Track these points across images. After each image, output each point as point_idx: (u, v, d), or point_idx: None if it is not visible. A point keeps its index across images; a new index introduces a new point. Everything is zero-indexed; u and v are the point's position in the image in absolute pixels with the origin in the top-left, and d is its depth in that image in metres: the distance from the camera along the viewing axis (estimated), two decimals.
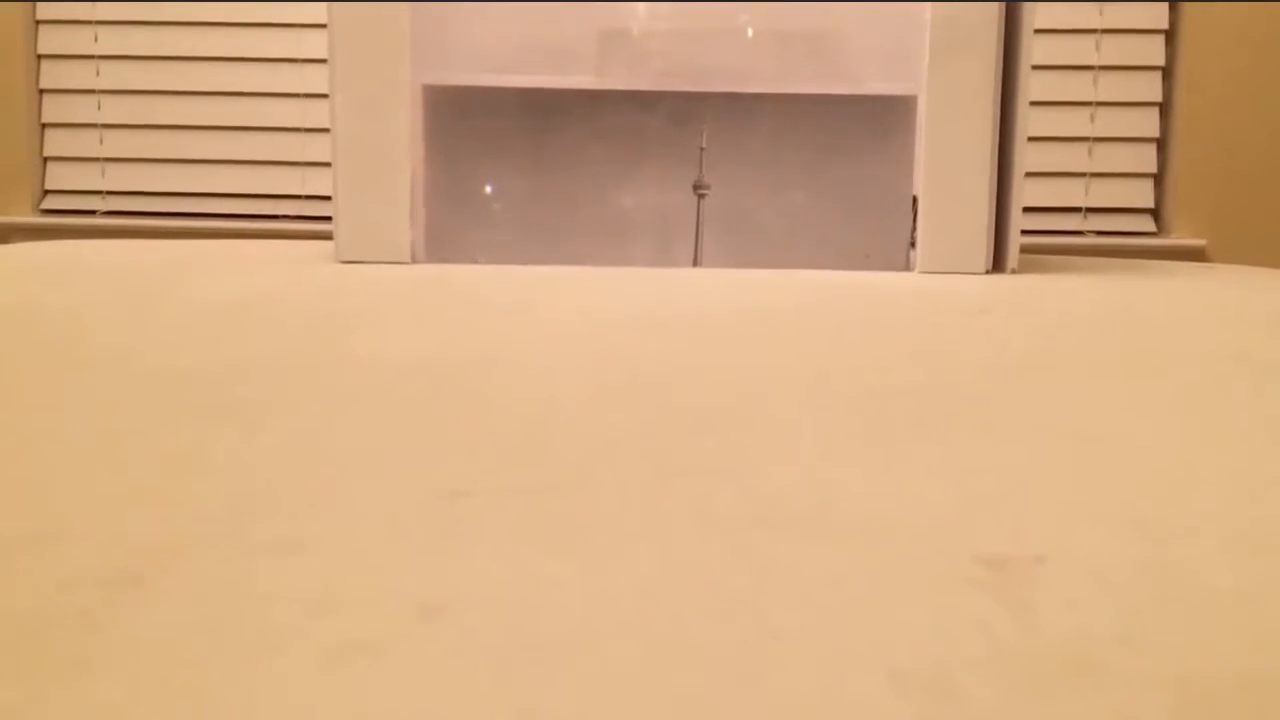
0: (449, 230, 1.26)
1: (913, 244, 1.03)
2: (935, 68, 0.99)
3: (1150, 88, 2.12)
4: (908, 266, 1.05)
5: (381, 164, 1.00)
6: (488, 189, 1.23)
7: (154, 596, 0.31)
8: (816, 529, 0.37)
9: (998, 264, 1.03)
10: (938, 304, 0.86)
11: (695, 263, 1.29)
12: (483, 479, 0.44)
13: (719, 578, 0.33)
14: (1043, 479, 0.43)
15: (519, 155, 1.28)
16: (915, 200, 1.04)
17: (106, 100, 2.18)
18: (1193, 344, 0.72)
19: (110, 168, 2.19)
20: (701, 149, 1.28)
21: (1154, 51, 2.11)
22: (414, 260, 1.06)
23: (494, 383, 0.57)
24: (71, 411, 0.51)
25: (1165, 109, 2.13)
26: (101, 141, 2.18)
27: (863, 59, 1.20)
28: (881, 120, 1.15)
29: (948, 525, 0.38)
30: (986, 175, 0.99)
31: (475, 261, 1.25)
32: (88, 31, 2.17)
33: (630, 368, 0.62)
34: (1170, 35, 2.11)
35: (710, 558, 0.35)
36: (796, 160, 1.23)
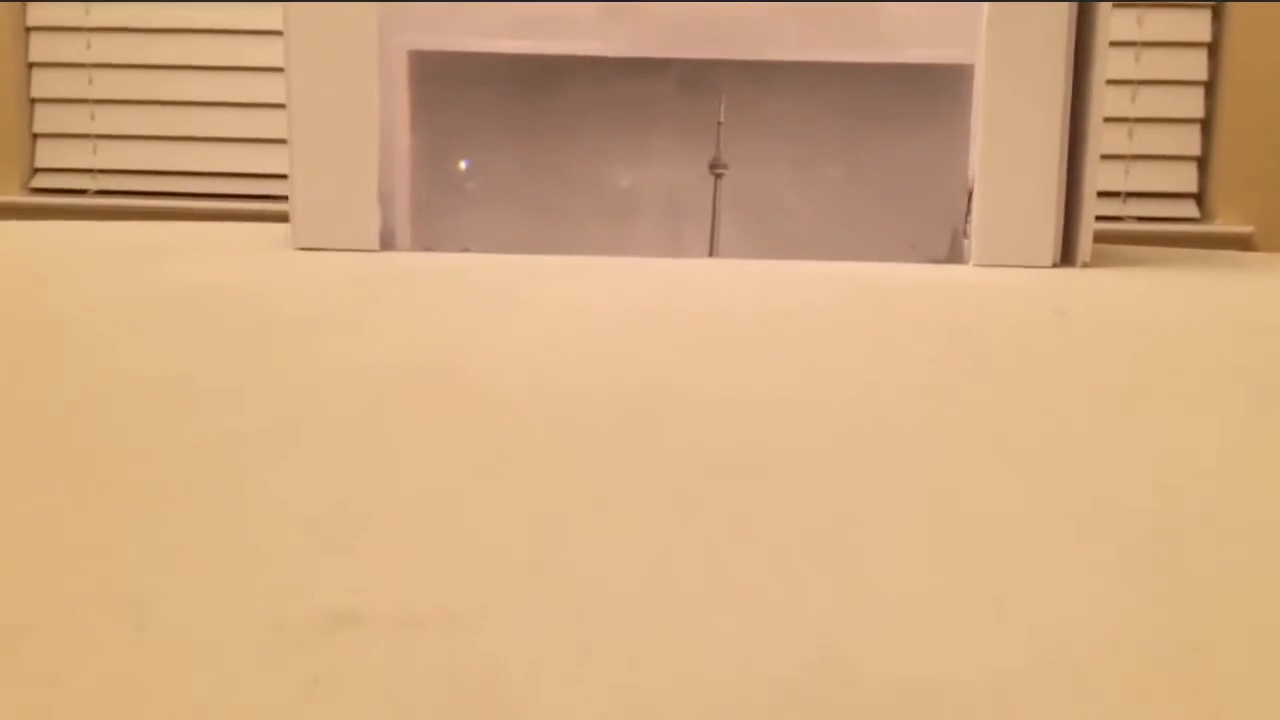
0: (437, 212, 1.09)
1: (966, 233, 0.86)
2: (995, 30, 0.81)
3: (1195, 66, 1.92)
4: (960, 258, 0.87)
5: (345, 139, 0.82)
6: (463, 165, 1.06)
7: None
8: (874, 710, 0.20)
9: (1066, 257, 0.85)
10: (1004, 304, 0.68)
11: (711, 252, 1.11)
12: (386, 589, 0.27)
13: None
14: (1231, 606, 0.26)
15: (515, 129, 1.10)
16: (971, 182, 0.86)
17: (98, 75, 2.01)
18: None
19: (102, 145, 2.02)
20: (719, 123, 1.10)
21: (1199, 27, 1.91)
22: (385, 247, 0.88)
23: (437, 420, 0.40)
24: None
25: (1210, 88, 1.93)
26: (93, 117, 2.01)
27: (903, 22, 1.02)
28: (924, 91, 0.97)
29: (1089, 691, 0.21)
30: (1056, 153, 0.81)
31: (465, 247, 1.08)
32: (79, 4, 2.00)
33: (622, 395, 0.44)
34: (1216, 11, 1.91)
35: None
36: (826, 137, 1.05)
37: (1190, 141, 1.93)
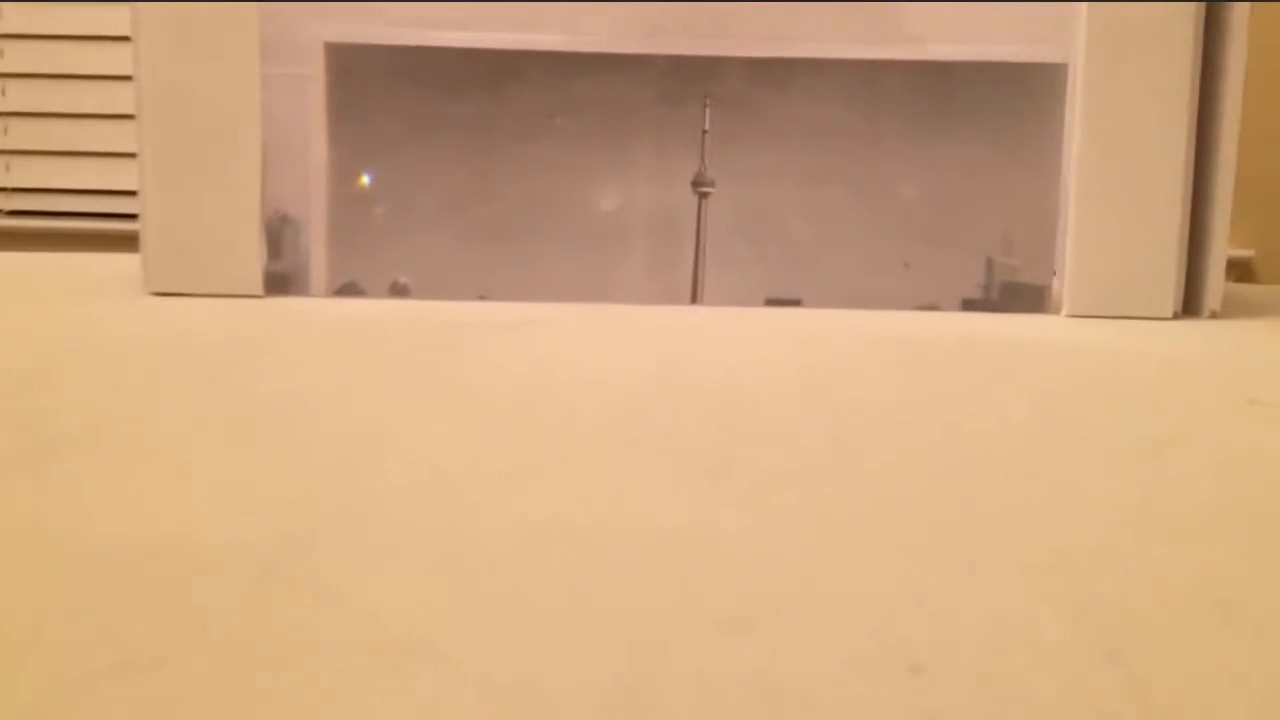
0: (362, 240, 0.83)
1: (1054, 271, 0.61)
2: (1099, 26, 0.57)
3: None
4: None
5: (216, 154, 0.56)
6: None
7: None
8: None
9: (1190, 305, 0.61)
10: (1163, 382, 0.43)
11: (694, 287, 0.86)
12: None
13: None
14: None
15: (461, 138, 0.85)
16: (1064, 210, 0.62)
17: (11, 85, 1.73)
18: None
19: (16, 161, 1.74)
20: (704, 131, 0.85)
21: None
22: (281, 290, 0.62)
23: (273, 623, 0.14)
24: None
25: None
26: (5, 131, 1.73)
27: (933, 11, 0.78)
28: (977, 91, 0.73)
29: None
30: (1180, 177, 0.57)
31: (398, 281, 0.82)
32: None
33: (617, 545, 0.19)
34: None
35: None
36: (838, 149, 0.81)
37: None
